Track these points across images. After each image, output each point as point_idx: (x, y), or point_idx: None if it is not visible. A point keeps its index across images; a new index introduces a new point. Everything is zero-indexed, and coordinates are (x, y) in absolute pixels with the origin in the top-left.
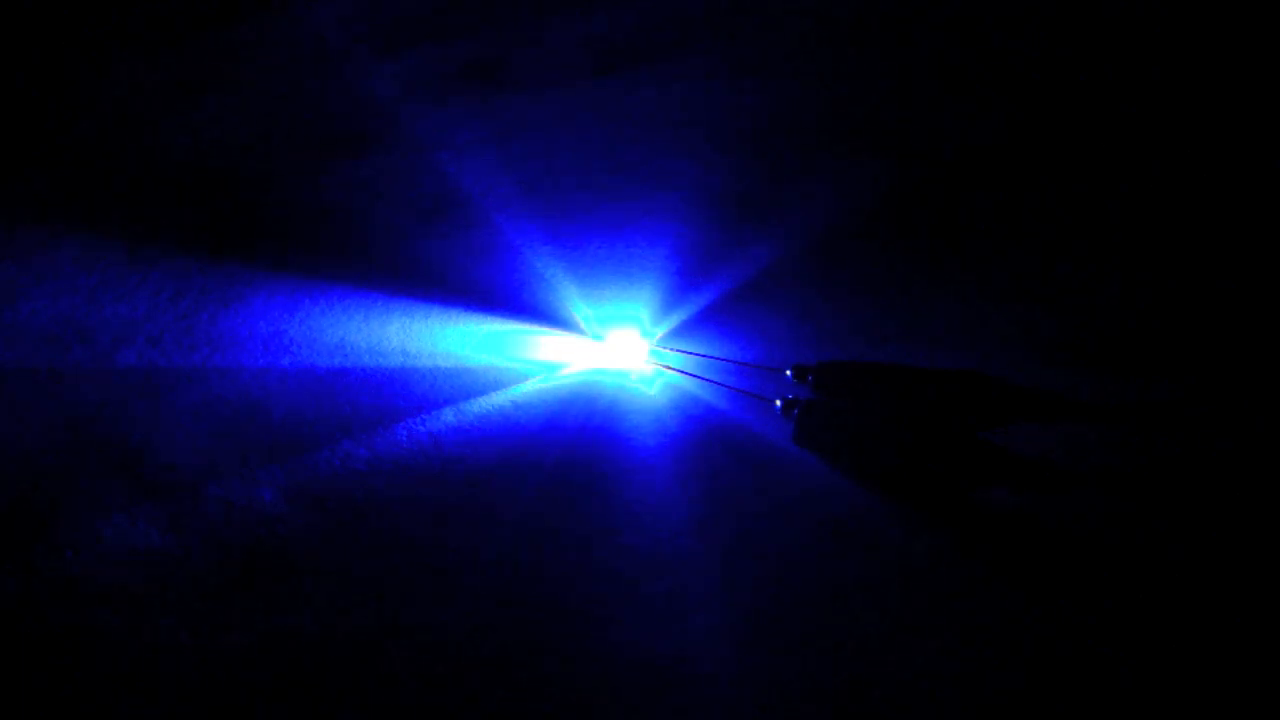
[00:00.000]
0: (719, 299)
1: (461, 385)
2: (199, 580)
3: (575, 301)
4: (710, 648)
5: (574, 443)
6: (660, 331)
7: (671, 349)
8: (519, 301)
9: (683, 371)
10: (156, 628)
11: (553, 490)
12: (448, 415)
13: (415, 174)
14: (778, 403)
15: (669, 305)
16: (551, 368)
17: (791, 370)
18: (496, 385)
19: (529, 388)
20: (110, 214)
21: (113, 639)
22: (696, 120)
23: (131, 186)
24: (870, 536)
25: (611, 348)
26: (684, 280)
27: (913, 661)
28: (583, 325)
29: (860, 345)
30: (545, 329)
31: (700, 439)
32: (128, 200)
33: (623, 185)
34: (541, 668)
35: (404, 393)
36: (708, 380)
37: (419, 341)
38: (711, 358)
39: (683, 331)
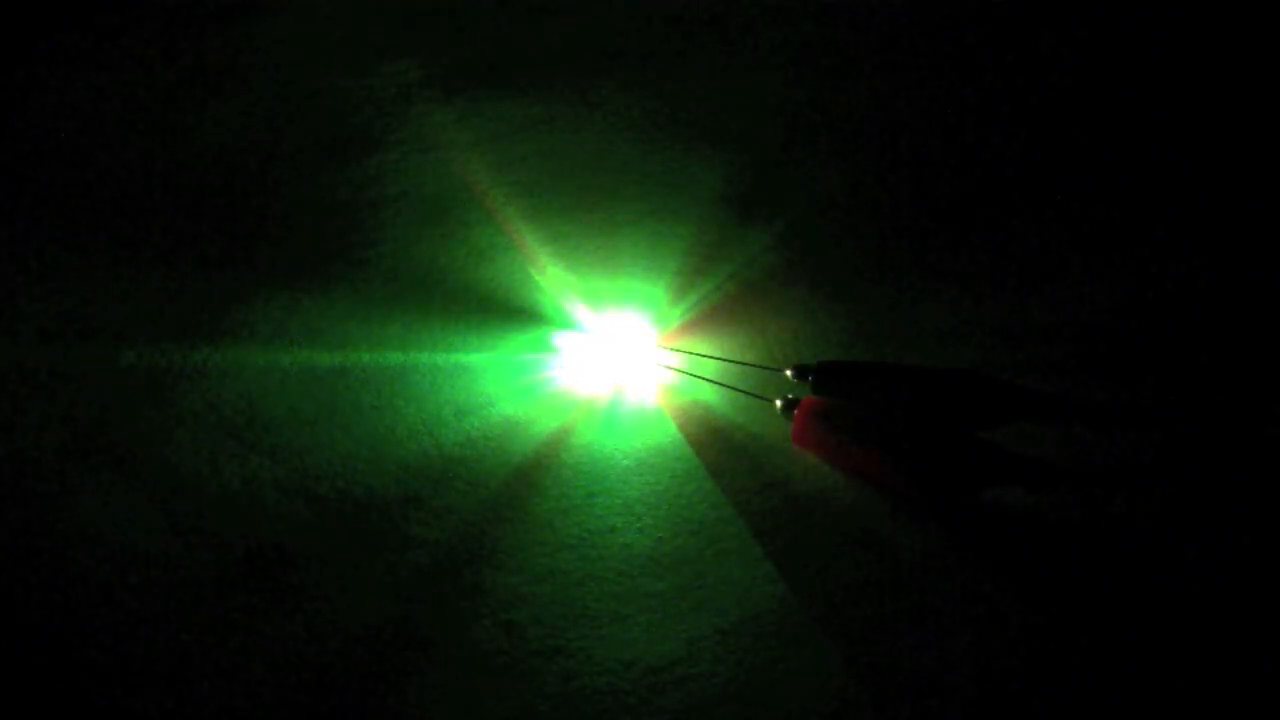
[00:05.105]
0: (719, 299)
1: (462, 384)
2: (199, 580)
3: (575, 301)
4: (710, 648)
5: (574, 442)
6: (660, 331)
7: (671, 349)
8: (519, 301)
9: (683, 371)
10: (156, 628)
11: (553, 489)
12: (448, 415)
13: (415, 174)
14: (778, 403)
15: (669, 305)
16: (552, 367)
17: (791, 370)
18: (497, 384)
19: (530, 387)
20: (110, 214)
21: (113, 639)
22: (696, 120)
23: (132, 186)
24: (870, 536)
25: (611, 347)
26: (684, 280)
27: (913, 661)
28: (582, 325)
29: (860, 345)
30: (545, 329)
31: (700, 439)
32: (128, 200)
33: (623, 185)
34: (542, 667)
35: (404, 392)
36: (708, 380)
37: (420, 340)
38: (711, 357)
39: (683, 331)
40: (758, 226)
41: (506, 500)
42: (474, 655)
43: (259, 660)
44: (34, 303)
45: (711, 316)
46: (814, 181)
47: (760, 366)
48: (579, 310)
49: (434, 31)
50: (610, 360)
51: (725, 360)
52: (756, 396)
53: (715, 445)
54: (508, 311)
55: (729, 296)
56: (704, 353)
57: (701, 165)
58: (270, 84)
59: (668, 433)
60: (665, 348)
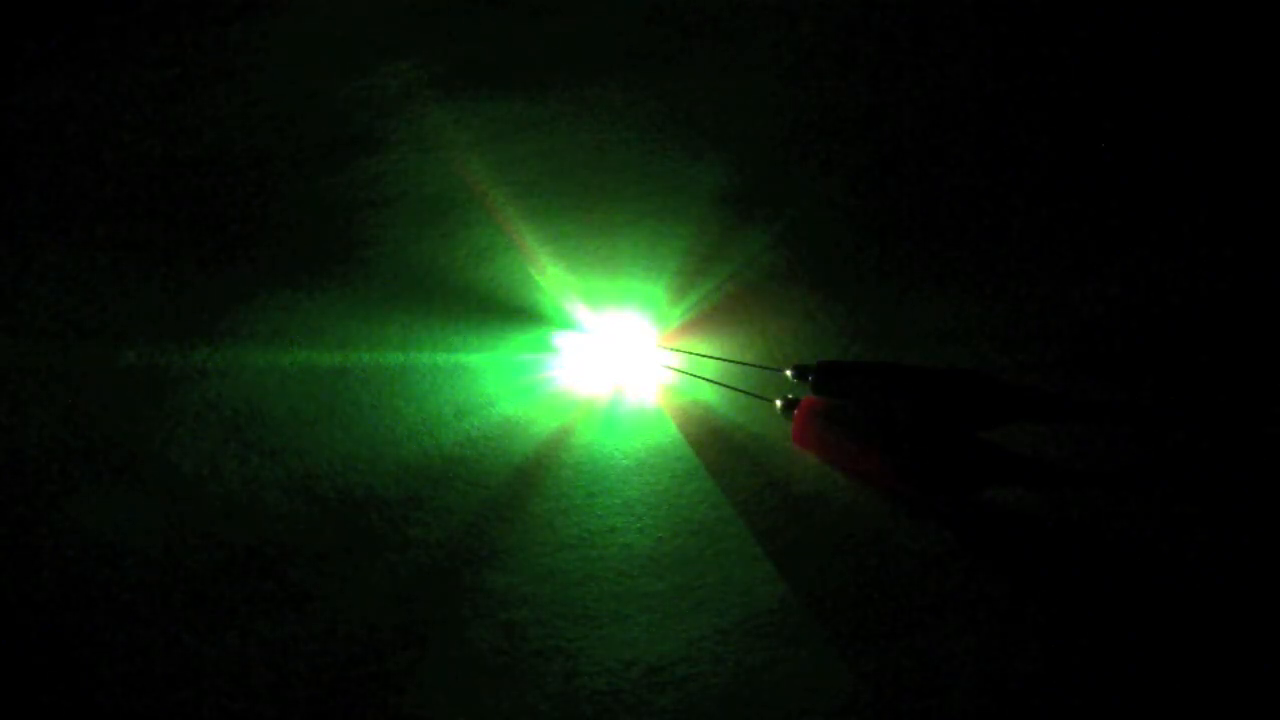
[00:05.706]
0: (719, 299)
1: (462, 384)
2: (199, 580)
3: (575, 302)
4: (710, 648)
5: (574, 442)
6: (660, 331)
7: (671, 349)
8: (519, 301)
9: (683, 371)
10: (156, 628)
11: (553, 489)
12: (448, 415)
13: (415, 174)
14: (778, 403)
15: (669, 305)
16: (552, 367)
17: (791, 370)
18: (497, 384)
19: (530, 387)
20: (110, 213)
21: (111, 639)
22: (696, 120)
23: (132, 186)
24: (870, 536)
25: (611, 348)
26: (684, 280)
27: (913, 661)
28: (582, 325)
29: (860, 345)
30: (545, 329)
31: (700, 439)
32: (128, 199)
33: (623, 186)
34: (542, 667)
35: (404, 392)
36: (708, 380)
37: (420, 340)
38: (711, 357)
39: (683, 331)
40: (758, 226)
41: (506, 500)
42: (474, 655)
43: (259, 660)
44: (34, 303)
45: (711, 316)
46: (814, 181)
47: (760, 366)
48: (579, 310)
49: (434, 31)
50: (610, 360)
51: (725, 360)
52: (756, 396)
53: (715, 445)
54: (508, 311)
55: (729, 296)
56: (704, 353)
57: (701, 165)
58: (270, 84)
59: (668, 433)
60: (665, 348)
